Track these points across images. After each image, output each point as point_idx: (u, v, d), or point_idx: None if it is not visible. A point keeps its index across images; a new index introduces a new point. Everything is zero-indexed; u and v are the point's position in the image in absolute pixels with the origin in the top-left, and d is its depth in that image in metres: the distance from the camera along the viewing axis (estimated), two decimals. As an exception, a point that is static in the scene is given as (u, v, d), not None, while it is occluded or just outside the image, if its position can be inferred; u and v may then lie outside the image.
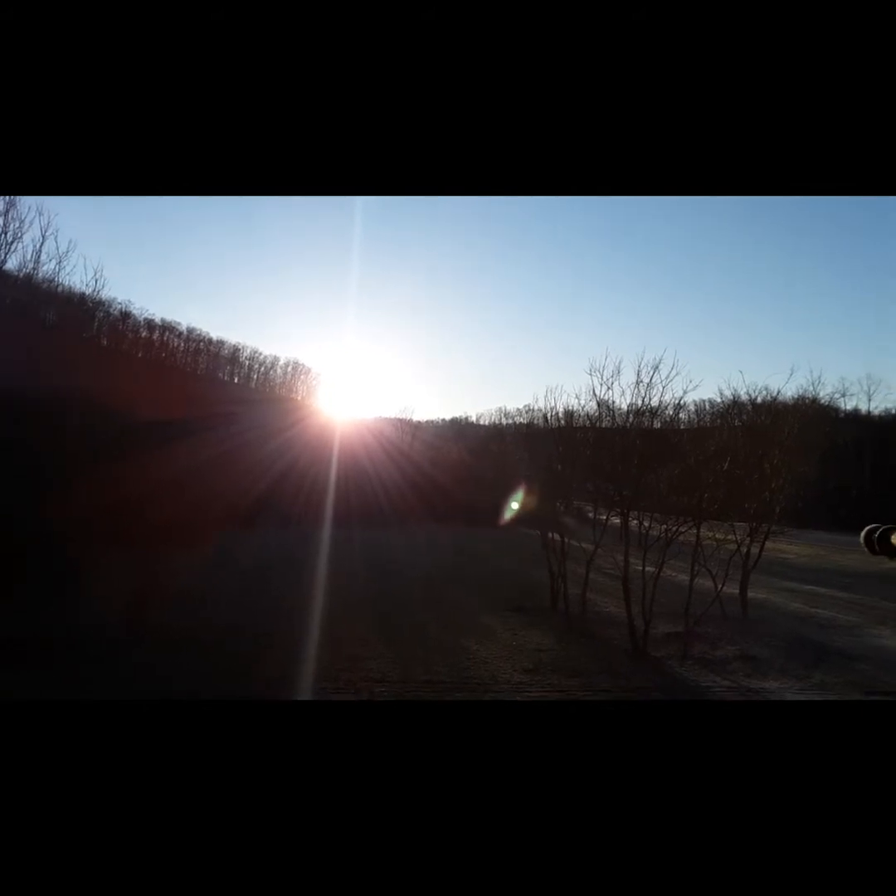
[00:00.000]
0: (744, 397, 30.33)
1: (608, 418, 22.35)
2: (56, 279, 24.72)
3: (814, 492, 27.85)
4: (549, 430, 27.14)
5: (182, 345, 69.75)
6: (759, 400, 29.23)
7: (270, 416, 56.81)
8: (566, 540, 22.58)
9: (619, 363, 21.19)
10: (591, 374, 20.80)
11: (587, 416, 23.37)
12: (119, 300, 54.52)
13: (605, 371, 20.70)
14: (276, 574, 26.64)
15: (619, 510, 20.94)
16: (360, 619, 20.18)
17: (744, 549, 23.29)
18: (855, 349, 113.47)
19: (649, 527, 20.01)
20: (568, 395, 56.92)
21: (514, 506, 44.01)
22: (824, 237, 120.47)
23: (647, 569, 18.65)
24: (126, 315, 56.46)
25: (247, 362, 79.63)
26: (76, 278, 55.80)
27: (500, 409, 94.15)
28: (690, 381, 24.26)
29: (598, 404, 21.75)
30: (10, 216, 21.06)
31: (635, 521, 20.49)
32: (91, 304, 38.50)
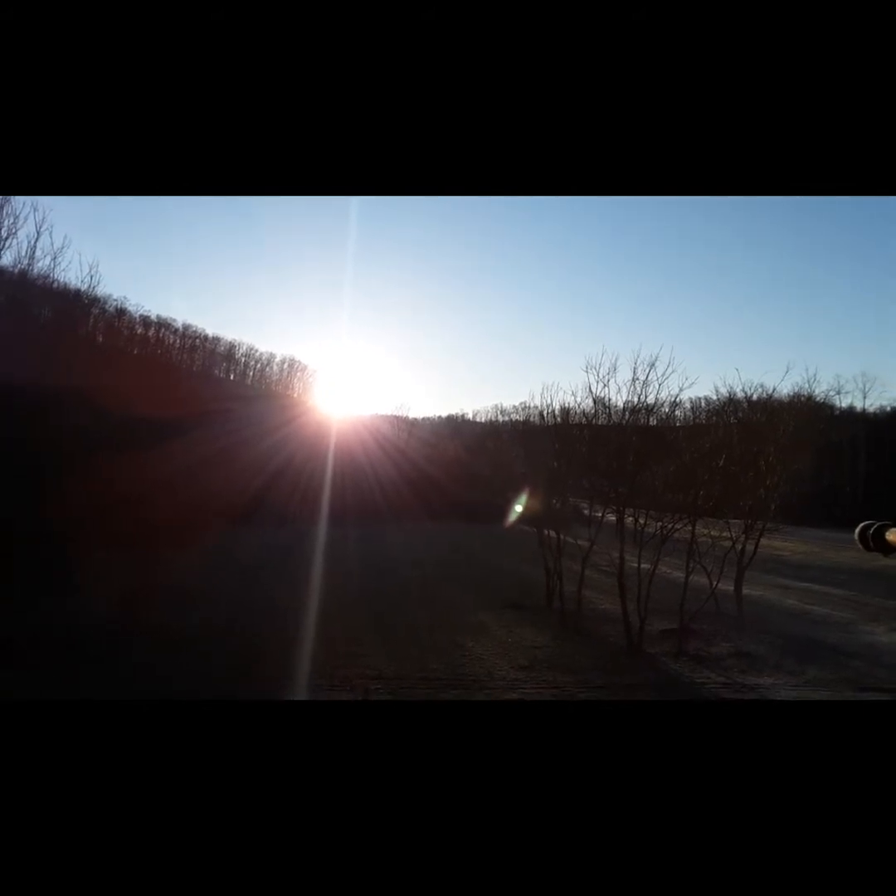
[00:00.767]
0: (739, 395, 30.36)
1: (604, 415, 22.40)
2: (51, 276, 24.61)
3: (809, 489, 27.92)
4: (546, 428, 27.16)
5: (178, 341, 69.65)
6: (754, 397, 29.30)
7: (266, 413, 56.73)
8: (562, 537, 22.62)
9: (616, 360, 21.26)
10: (587, 372, 20.84)
11: (583, 413, 23.44)
12: (114, 297, 54.47)
13: (602, 368, 20.74)
14: (273, 572, 26.64)
15: (614, 507, 20.97)
16: (355, 616, 20.20)
17: (739, 546, 23.36)
18: (850, 347, 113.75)
19: (645, 524, 20.06)
20: (564, 392, 56.98)
21: (519, 508, 44.10)
22: (821, 236, 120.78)
23: (643, 566, 18.71)
24: (121, 312, 56.37)
25: (243, 359, 79.65)
26: (71, 275, 55.84)
27: (496, 406, 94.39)
28: (686, 379, 24.37)
29: (595, 401, 21.85)
30: (4, 212, 21.02)
31: (631, 518, 20.52)
32: (86, 301, 38.42)
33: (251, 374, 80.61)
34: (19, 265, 23.01)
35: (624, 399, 20.82)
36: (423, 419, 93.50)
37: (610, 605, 21.51)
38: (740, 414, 30.86)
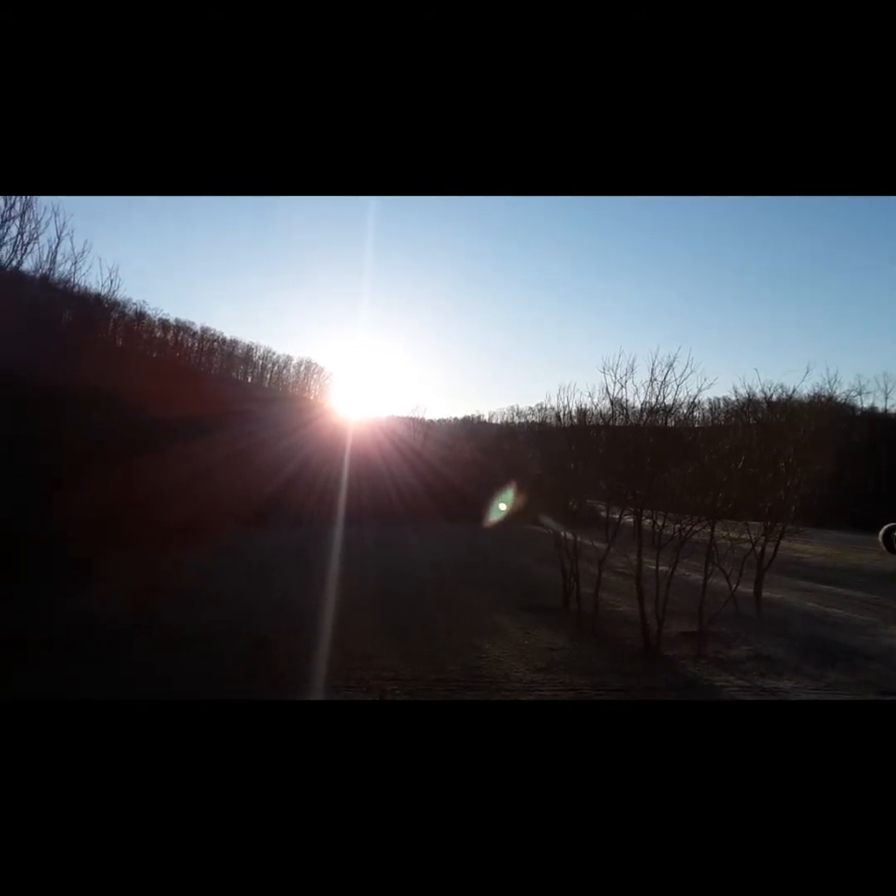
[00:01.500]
0: (759, 395, 30.07)
1: (622, 417, 22.27)
2: (72, 280, 24.94)
3: (829, 490, 27.58)
4: (562, 429, 27.05)
5: (196, 344, 70.26)
6: (774, 398, 29.01)
7: (283, 415, 57.02)
8: (578, 539, 22.53)
9: (633, 361, 21.18)
10: (604, 373, 20.74)
11: (600, 414, 23.32)
12: (134, 300, 55.09)
13: (619, 369, 20.64)
14: (289, 573, 26.78)
15: (632, 509, 20.84)
16: (371, 617, 20.24)
17: (758, 549, 23.13)
18: (872, 347, 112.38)
19: (663, 526, 19.90)
20: (581, 393, 56.78)
21: (502, 506, 43.69)
22: (842, 235, 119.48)
23: (661, 568, 18.56)
24: (141, 315, 56.96)
25: (260, 362, 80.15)
26: (92, 279, 56.52)
27: (512, 407, 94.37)
28: (705, 379, 24.09)
29: (612, 403, 21.71)
30: (26, 218, 21.32)
31: (648, 520, 20.38)
32: (106, 305, 38.90)
33: (268, 376, 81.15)
34: (41, 269, 23.38)
35: (642, 400, 20.74)
36: (439, 421, 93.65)
37: (627, 607, 21.38)
38: (760, 415, 30.58)
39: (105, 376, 28.06)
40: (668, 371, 19.43)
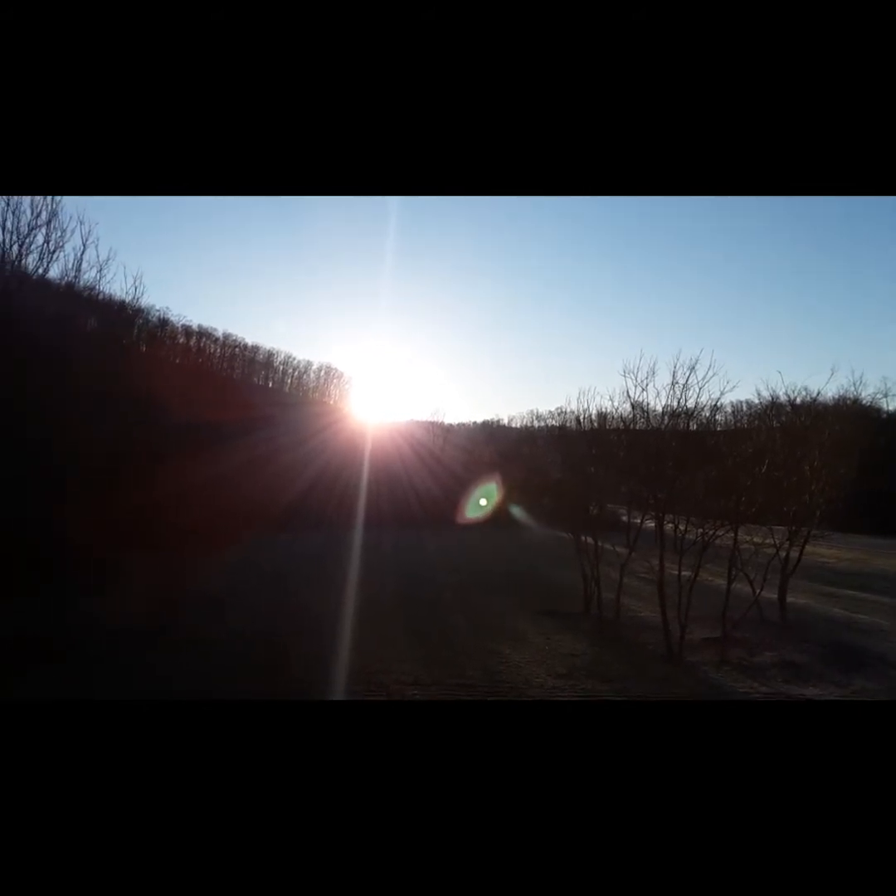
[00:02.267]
0: (783, 398, 29.64)
1: (643, 420, 22.09)
2: (97, 287, 25.33)
3: (855, 494, 27.11)
4: (582, 433, 26.91)
5: (218, 350, 71.15)
6: (798, 401, 28.57)
7: (303, 419, 57.38)
8: (599, 543, 22.38)
9: (654, 364, 20.95)
10: (625, 376, 20.54)
11: (621, 418, 23.16)
12: (157, 307, 55.93)
13: (640, 372, 20.43)
14: (309, 576, 26.89)
15: (653, 513, 20.65)
16: (391, 621, 20.27)
17: (782, 553, 22.79)
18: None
19: (685, 530, 19.68)
20: (601, 396, 56.44)
21: (483, 502, 43.14)
22: (869, 235, 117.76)
23: (683, 573, 18.37)
24: (164, 322, 57.86)
25: (281, 367, 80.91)
26: (116, 286, 57.38)
27: (531, 411, 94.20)
28: (727, 382, 23.69)
29: (633, 406, 21.52)
30: (52, 226, 21.62)
31: (670, 525, 20.18)
32: (131, 312, 39.42)
33: (289, 381, 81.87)
34: (66, 278, 23.69)
35: (663, 403, 20.54)
36: (459, 425, 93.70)
37: (649, 612, 21.20)
38: (783, 418, 30.19)
39: (129, 382, 28.42)
40: (689, 374, 19.20)
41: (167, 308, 69.33)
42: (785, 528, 23.20)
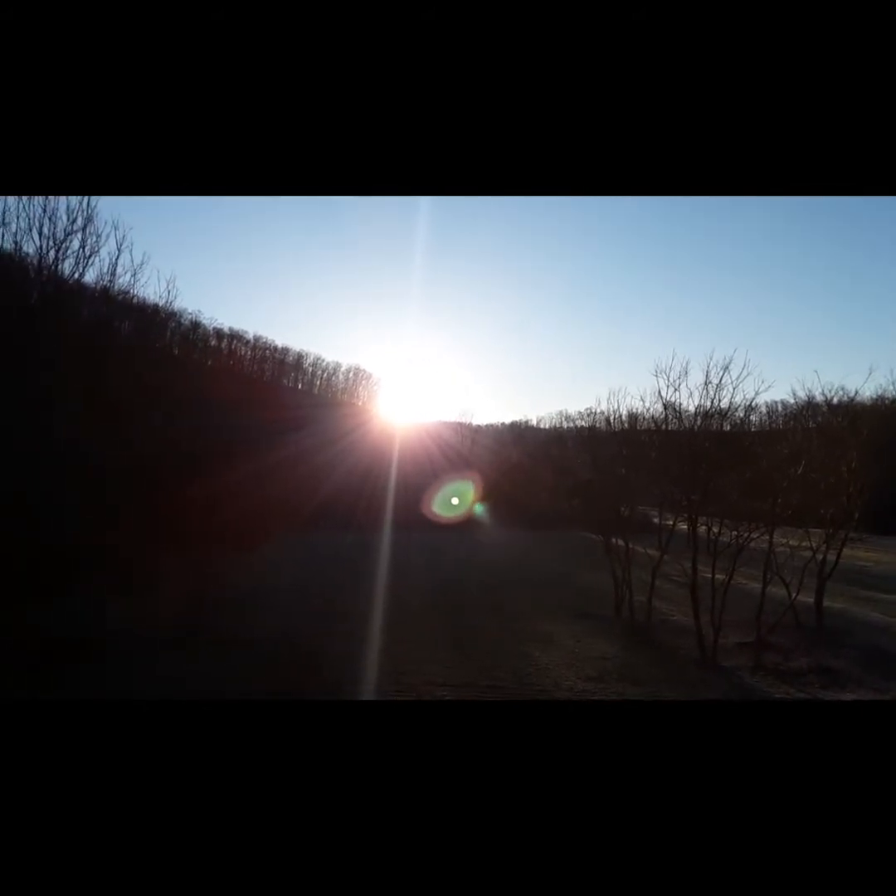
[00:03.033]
0: (819, 398, 29.04)
1: (675, 421, 21.80)
2: (131, 291, 25.80)
3: (894, 496, 26.46)
4: (613, 434, 26.68)
5: (249, 352, 72.15)
6: (835, 400, 27.98)
7: (332, 421, 57.84)
8: (630, 545, 22.16)
9: (687, 364, 20.70)
10: (656, 376, 20.33)
11: (652, 418, 22.89)
12: (189, 310, 56.95)
13: (672, 372, 20.18)
14: (338, 578, 27.05)
15: (686, 515, 20.37)
16: (420, 622, 20.31)
17: (819, 556, 22.32)
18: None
19: (719, 533, 19.38)
20: (632, 397, 55.91)
21: (455, 501, 42.52)
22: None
23: (717, 576, 18.08)
24: (196, 325, 58.87)
25: (310, 369, 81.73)
26: (150, 290, 58.57)
27: (561, 412, 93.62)
28: (762, 382, 23.30)
29: (665, 406, 21.26)
30: (87, 231, 22.05)
31: (704, 527, 19.89)
32: (164, 316, 40.15)
33: (318, 383, 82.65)
34: (101, 282, 24.17)
35: (696, 403, 20.26)
36: (487, 426, 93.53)
37: (682, 616, 20.92)
38: (820, 418, 29.60)
39: (162, 385, 28.93)
40: (723, 373, 18.92)
41: (199, 311, 70.54)
42: (822, 530, 22.72)
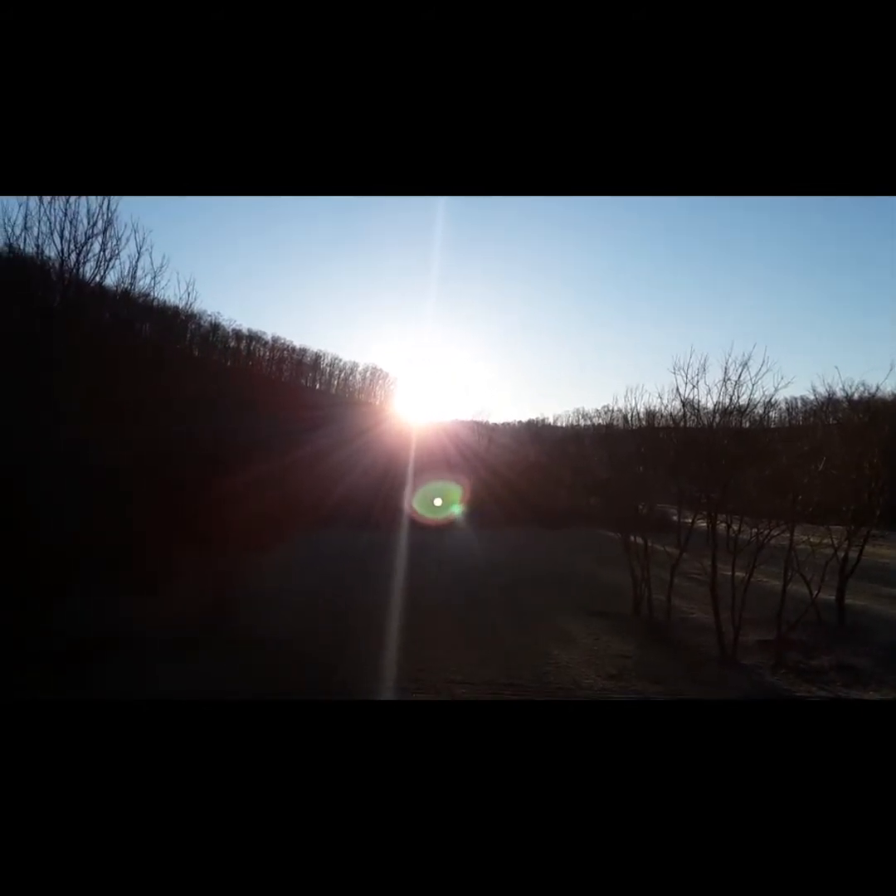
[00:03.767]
0: (839, 394, 28.70)
1: (693, 418, 21.67)
2: (151, 293, 26.08)
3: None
4: (630, 431, 26.56)
5: (267, 353, 72.63)
6: (855, 396, 27.64)
7: (349, 420, 58.01)
8: (649, 543, 22.06)
9: (705, 360, 20.54)
10: (674, 373, 20.18)
11: (670, 416, 22.77)
12: (209, 312, 57.46)
13: (690, 369, 20.04)
14: (355, 576, 27.16)
15: (705, 513, 20.24)
16: (437, 620, 20.38)
17: (841, 554, 22.09)
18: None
19: (739, 530, 19.24)
20: (649, 394, 55.51)
21: (437, 501, 42.16)
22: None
23: (737, 574, 17.98)
24: (215, 326, 59.42)
25: (328, 369, 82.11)
26: (170, 292, 59.12)
27: (577, 410, 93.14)
28: (782, 378, 22.96)
29: (683, 403, 21.12)
30: (108, 234, 22.32)
31: (723, 524, 19.75)
32: (183, 317, 40.52)
33: (335, 383, 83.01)
34: (122, 285, 24.44)
35: (714, 400, 20.11)
36: (503, 424, 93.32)
37: (701, 614, 20.82)
38: (840, 414, 29.26)
39: (183, 385, 29.24)
40: (742, 370, 18.78)
41: (218, 312, 71.20)
42: (843, 527, 22.49)
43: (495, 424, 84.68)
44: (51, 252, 22.43)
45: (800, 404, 57.43)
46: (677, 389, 20.69)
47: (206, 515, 26.01)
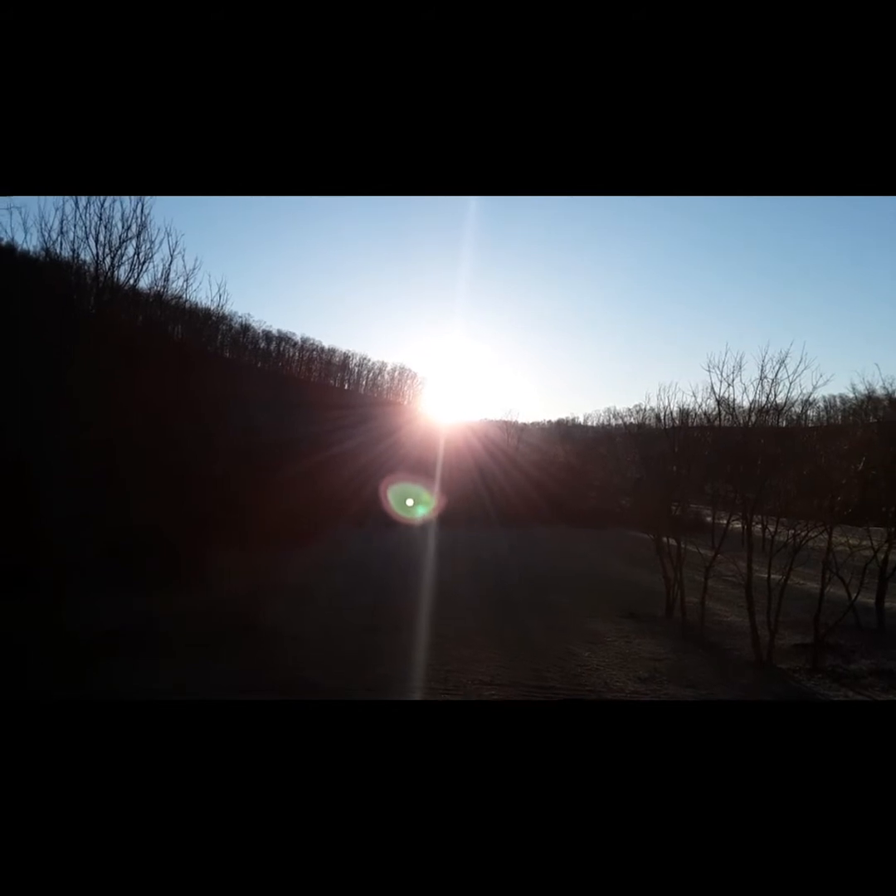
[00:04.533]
0: (879, 392, 28.01)
1: (728, 417, 21.32)
2: (184, 296, 26.46)
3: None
4: (663, 431, 26.24)
5: (296, 354, 73.42)
6: (896, 394, 26.95)
7: (378, 420, 58.35)
8: (682, 545, 21.78)
9: (741, 358, 20.15)
10: (709, 371, 19.90)
11: (705, 415, 22.43)
12: (239, 314, 58.32)
13: (725, 366, 19.70)
14: (385, 575, 27.31)
15: (741, 514, 19.90)
16: (467, 621, 20.33)
17: (881, 556, 21.56)
18: None
19: (775, 531, 18.88)
20: (683, 392, 54.83)
21: (409, 502, 41.99)
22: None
23: (773, 576, 17.64)
24: (246, 327, 60.26)
25: (356, 369, 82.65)
26: (202, 294, 60.13)
27: (608, 409, 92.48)
28: (820, 376, 22.40)
29: (718, 402, 20.78)
30: (141, 238, 22.69)
31: (759, 526, 19.39)
32: (215, 319, 41.17)
33: (364, 383, 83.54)
34: (155, 287, 24.84)
35: (750, 399, 19.74)
36: (532, 424, 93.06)
37: (736, 617, 20.49)
38: (881, 413, 28.56)
39: (213, 385, 29.68)
40: (779, 368, 18.43)
41: (248, 314, 72.19)
42: (883, 529, 21.95)
43: (524, 424, 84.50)
44: (86, 256, 22.89)
45: (839, 403, 56.36)
46: (712, 388, 20.38)
47: (241, 513, 26.38)
